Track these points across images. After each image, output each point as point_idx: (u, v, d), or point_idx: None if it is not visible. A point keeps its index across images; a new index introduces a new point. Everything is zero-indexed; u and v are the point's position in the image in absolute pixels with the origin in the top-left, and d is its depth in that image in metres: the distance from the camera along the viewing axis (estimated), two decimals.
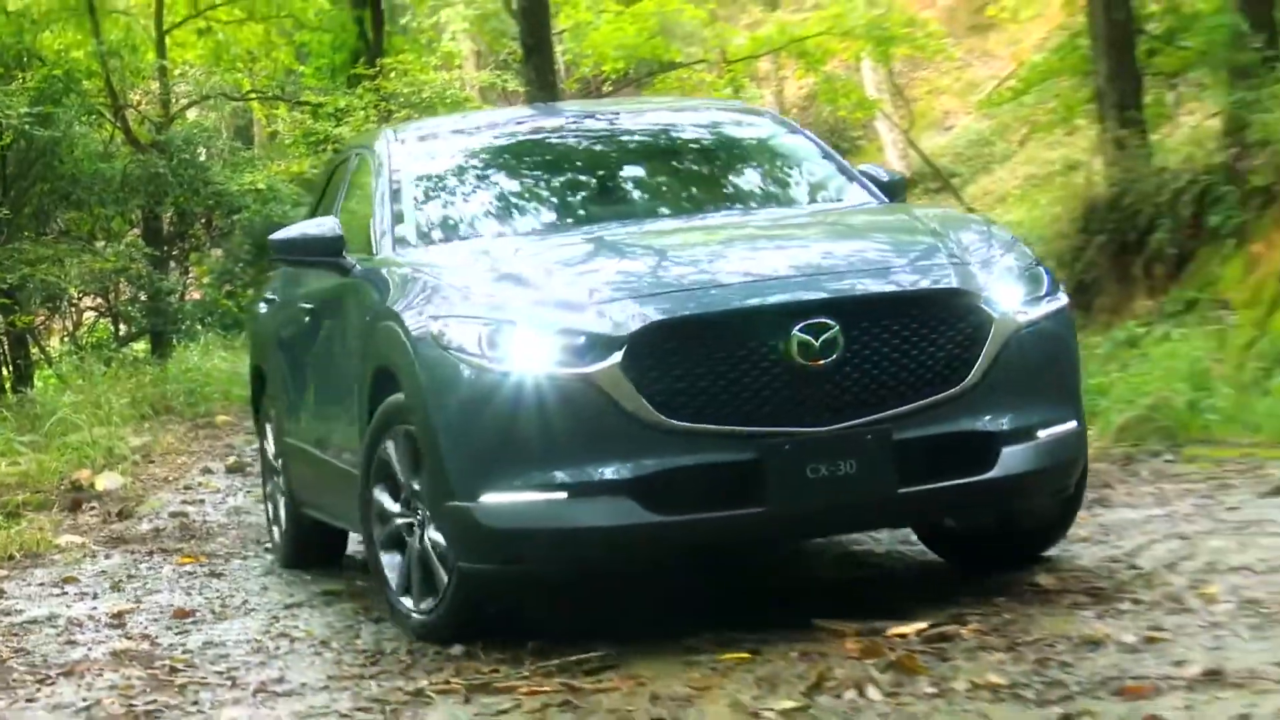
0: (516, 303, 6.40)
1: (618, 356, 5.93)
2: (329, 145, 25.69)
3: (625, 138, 9.15)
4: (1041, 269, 6.82)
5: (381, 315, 6.96)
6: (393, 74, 26.25)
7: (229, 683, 6.77)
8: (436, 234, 7.84)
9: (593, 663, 6.54)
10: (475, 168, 8.57)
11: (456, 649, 7.01)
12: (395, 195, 7.88)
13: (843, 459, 5.97)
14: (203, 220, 24.54)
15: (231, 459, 14.83)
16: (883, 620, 6.33)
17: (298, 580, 9.11)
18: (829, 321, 5.95)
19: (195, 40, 27.75)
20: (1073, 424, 6.63)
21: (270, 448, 9.81)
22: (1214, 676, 5.39)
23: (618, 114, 9.90)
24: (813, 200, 8.43)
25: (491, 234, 7.85)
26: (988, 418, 6.30)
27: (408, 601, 6.88)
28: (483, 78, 33.96)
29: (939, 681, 5.70)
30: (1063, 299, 6.84)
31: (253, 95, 29.98)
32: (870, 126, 38.45)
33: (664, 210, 8.32)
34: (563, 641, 6.86)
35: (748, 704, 5.75)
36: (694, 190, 8.63)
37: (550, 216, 8.22)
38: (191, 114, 27.70)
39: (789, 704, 5.69)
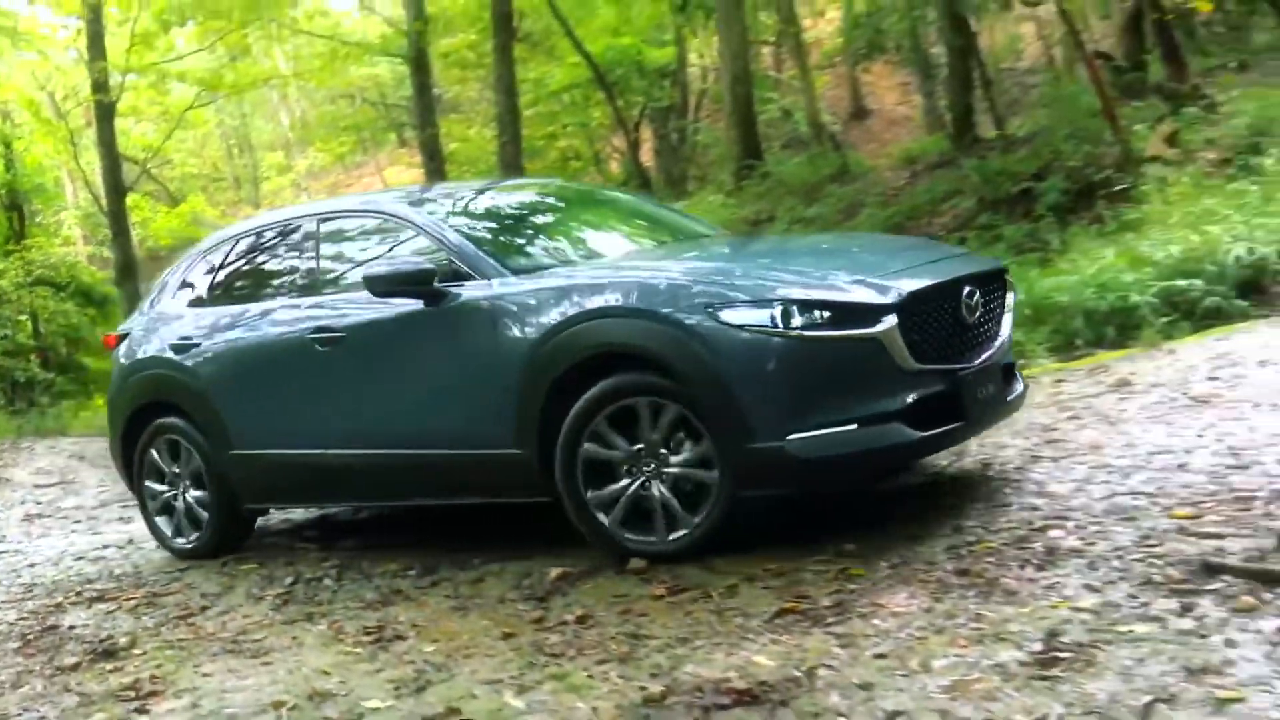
0: (780, 289, 4.89)
1: (893, 319, 4.80)
2: None
3: (556, 199, 7.02)
4: None
5: (586, 318, 5.10)
6: (32, 249, 25.02)
7: None
8: (524, 263, 5.66)
9: (165, 579, 6.31)
10: (485, 219, 6.26)
11: (76, 576, 6.66)
12: (466, 237, 5.74)
13: (989, 383, 5.22)
14: None
15: None
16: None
17: None
18: (975, 289, 5.22)
19: None
20: None
21: (170, 469, 6.77)
22: None
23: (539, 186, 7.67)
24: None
25: (557, 263, 5.74)
26: (1013, 353, 5.82)
27: (651, 536, 5.06)
28: (89, 250, 32.36)
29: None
30: None
31: None
32: None
33: (637, 239, 6.36)
34: (151, 568, 6.60)
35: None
36: (634, 225, 6.65)
37: (586, 249, 6.13)
38: None
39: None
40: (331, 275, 6.29)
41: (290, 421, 6.23)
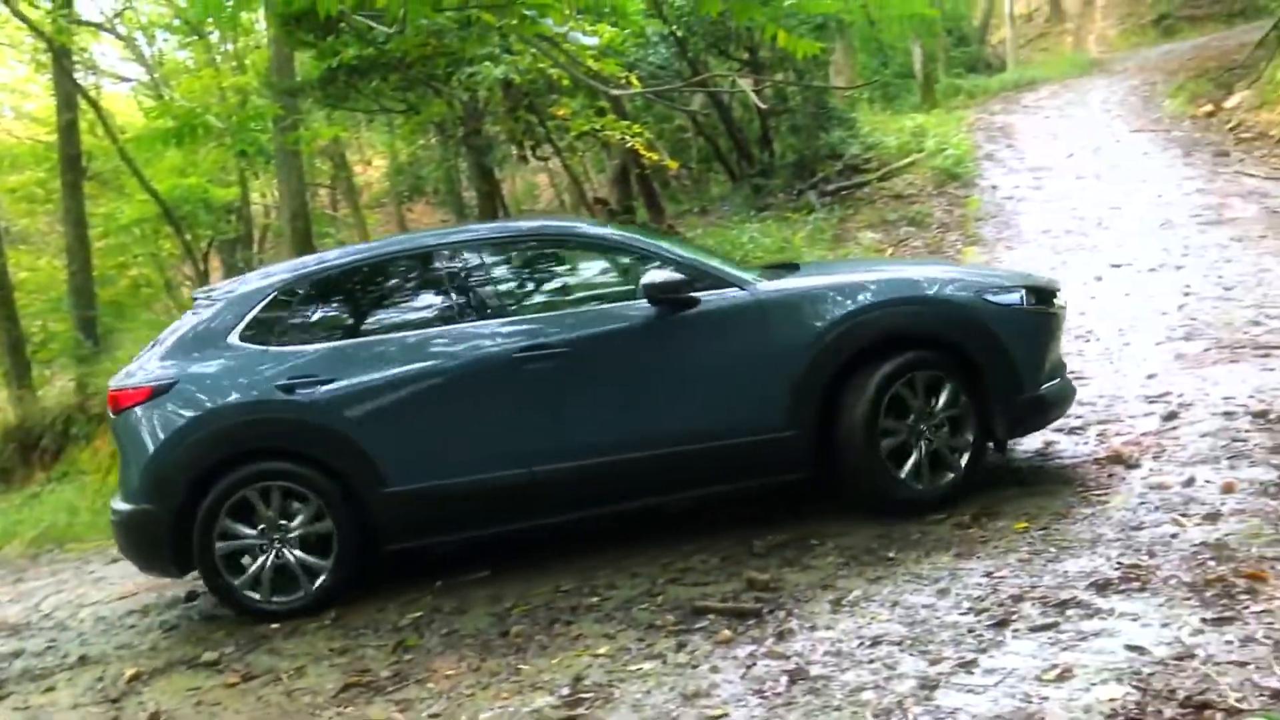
0: (1011, 279, 5.40)
1: (1063, 297, 5.51)
2: None
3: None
4: None
5: (871, 309, 5.01)
6: None
7: None
8: (749, 273, 5.35)
9: None
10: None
11: None
12: (692, 251, 5.47)
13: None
14: None
15: None
16: None
17: None
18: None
19: None
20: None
21: (271, 518, 5.04)
22: None
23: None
24: None
25: (770, 273, 5.53)
26: None
27: (920, 484, 4.96)
28: None
29: None
30: None
31: None
32: None
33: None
34: None
35: None
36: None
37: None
38: None
39: None
40: (524, 296, 5.33)
41: (480, 445, 5.05)
